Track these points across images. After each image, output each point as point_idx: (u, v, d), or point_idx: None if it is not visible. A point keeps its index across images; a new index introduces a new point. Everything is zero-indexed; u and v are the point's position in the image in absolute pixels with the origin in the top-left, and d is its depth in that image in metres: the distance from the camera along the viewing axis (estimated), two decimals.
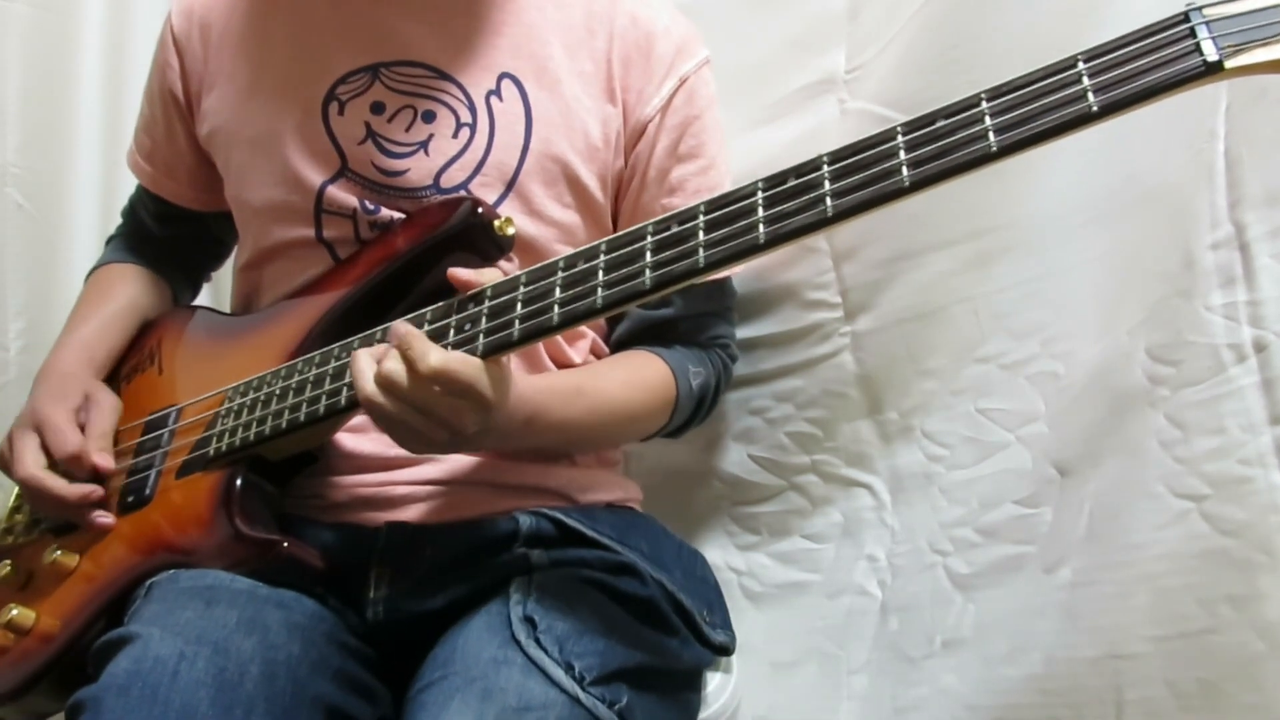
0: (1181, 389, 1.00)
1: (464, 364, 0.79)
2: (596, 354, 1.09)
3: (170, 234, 1.21)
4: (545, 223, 1.01)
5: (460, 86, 1.01)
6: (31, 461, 0.99)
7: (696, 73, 1.05)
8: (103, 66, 1.52)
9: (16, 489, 1.12)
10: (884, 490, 1.26)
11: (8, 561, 1.04)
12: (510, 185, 1.00)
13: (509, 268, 0.93)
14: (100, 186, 1.51)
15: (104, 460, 1.01)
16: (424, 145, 1.00)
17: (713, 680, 1.09)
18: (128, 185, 1.24)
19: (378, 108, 1.01)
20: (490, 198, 0.99)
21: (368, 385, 0.80)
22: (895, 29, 1.23)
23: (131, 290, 1.16)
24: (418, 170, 1.00)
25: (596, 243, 0.80)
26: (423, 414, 0.80)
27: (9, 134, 1.43)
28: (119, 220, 1.27)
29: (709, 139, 1.06)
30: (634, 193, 1.04)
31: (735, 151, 1.19)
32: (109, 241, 1.26)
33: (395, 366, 0.79)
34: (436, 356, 0.79)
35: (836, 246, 1.26)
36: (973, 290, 1.16)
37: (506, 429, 0.87)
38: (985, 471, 1.17)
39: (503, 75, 1.01)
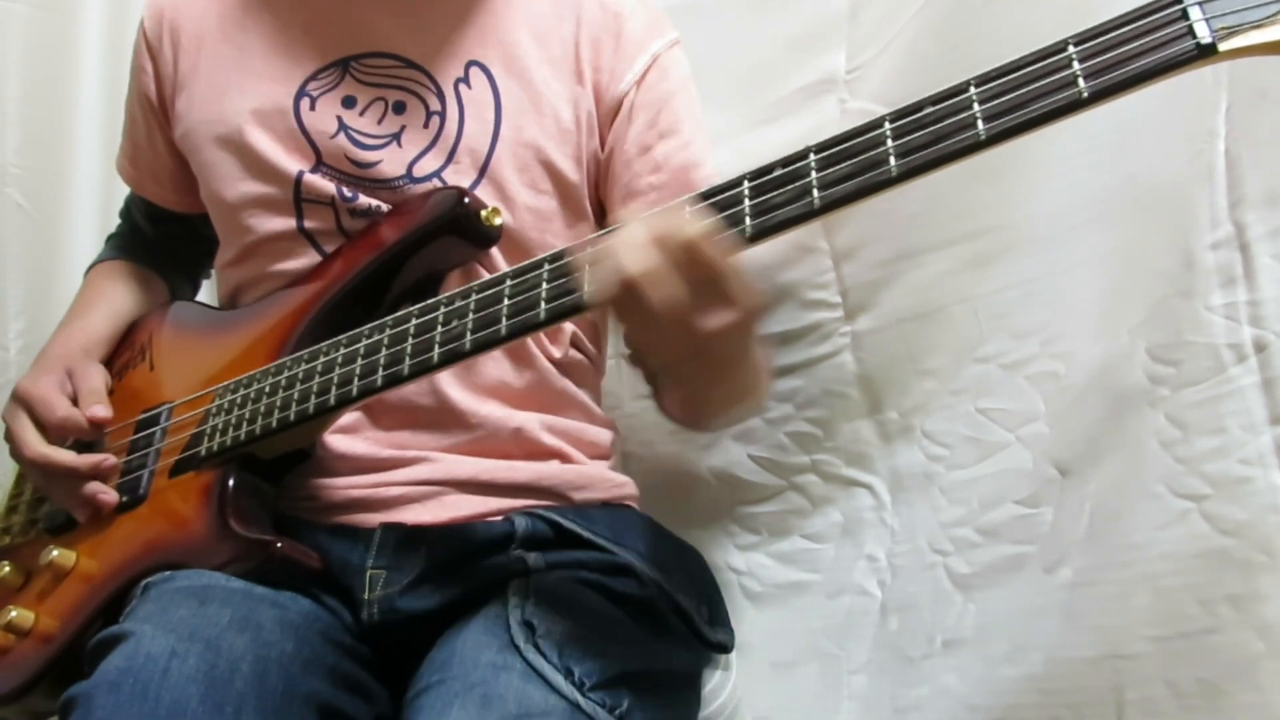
0: (1181, 389, 0.99)
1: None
2: (578, 347, 1.09)
3: (163, 234, 1.22)
4: (519, 209, 1.01)
5: (429, 75, 1.01)
6: (34, 439, 1.00)
7: (668, 51, 1.06)
8: (103, 66, 1.53)
9: (10, 491, 1.12)
10: (884, 490, 1.26)
11: (5, 562, 1.04)
12: (483, 172, 1.00)
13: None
14: (100, 186, 1.52)
15: (101, 411, 1.01)
16: (396, 137, 1.01)
17: (712, 680, 1.09)
18: (127, 187, 1.24)
19: (349, 102, 1.01)
20: (464, 185, 1.00)
21: (639, 251, 0.71)
22: (895, 29, 1.23)
23: (124, 286, 1.17)
24: (390, 161, 1.00)
25: (584, 240, 0.80)
26: (690, 294, 0.71)
27: (9, 134, 1.43)
28: (118, 220, 1.28)
29: (685, 115, 1.06)
30: (617, 173, 1.04)
31: (735, 151, 1.19)
32: (108, 241, 1.27)
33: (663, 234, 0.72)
34: (700, 224, 0.71)
35: (836, 246, 1.26)
36: (973, 290, 1.16)
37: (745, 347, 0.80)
38: (985, 471, 1.17)
39: (470, 63, 1.02)
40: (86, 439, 1.02)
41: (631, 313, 0.73)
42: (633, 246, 0.71)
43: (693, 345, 0.73)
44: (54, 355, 1.07)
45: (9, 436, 1.03)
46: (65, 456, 0.99)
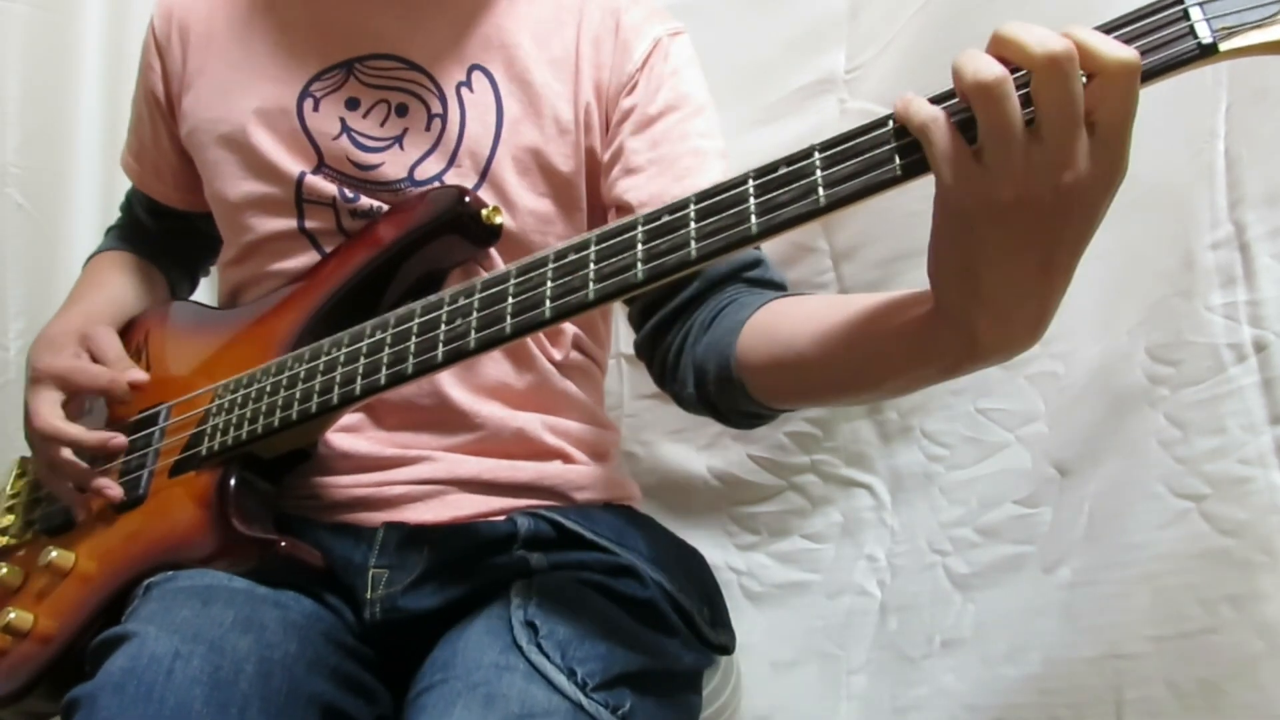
0: (1181, 389, 1.00)
1: None
2: (580, 348, 1.09)
3: (164, 229, 1.22)
4: (521, 213, 1.01)
5: (431, 78, 1.01)
6: (48, 412, 1.00)
7: (669, 37, 1.05)
8: (103, 66, 1.53)
9: (6, 493, 1.12)
10: (884, 490, 1.26)
11: (3, 563, 1.04)
12: (484, 175, 1.00)
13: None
14: (100, 186, 1.52)
15: (138, 374, 1.02)
16: (399, 140, 1.01)
17: (712, 680, 1.08)
18: (127, 184, 1.25)
19: (352, 103, 1.02)
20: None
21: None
22: (895, 29, 1.23)
23: (126, 277, 1.17)
24: (392, 164, 1.00)
25: (587, 235, 0.79)
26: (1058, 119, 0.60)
27: (9, 134, 1.43)
28: (119, 213, 1.28)
29: (689, 92, 1.04)
30: (618, 153, 1.02)
31: (735, 151, 1.19)
32: (108, 232, 1.27)
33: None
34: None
35: (836, 246, 1.26)
36: None
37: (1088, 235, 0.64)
38: (985, 471, 1.17)
39: (473, 67, 1.02)
40: (122, 404, 1.02)
41: (996, 122, 0.60)
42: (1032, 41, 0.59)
43: (1042, 199, 0.61)
44: (61, 333, 1.06)
45: (25, 409, 1.02)
46: (74, 430, 0.99)
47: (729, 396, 0.87)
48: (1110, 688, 1.02)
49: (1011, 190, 0.62)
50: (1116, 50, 0.59)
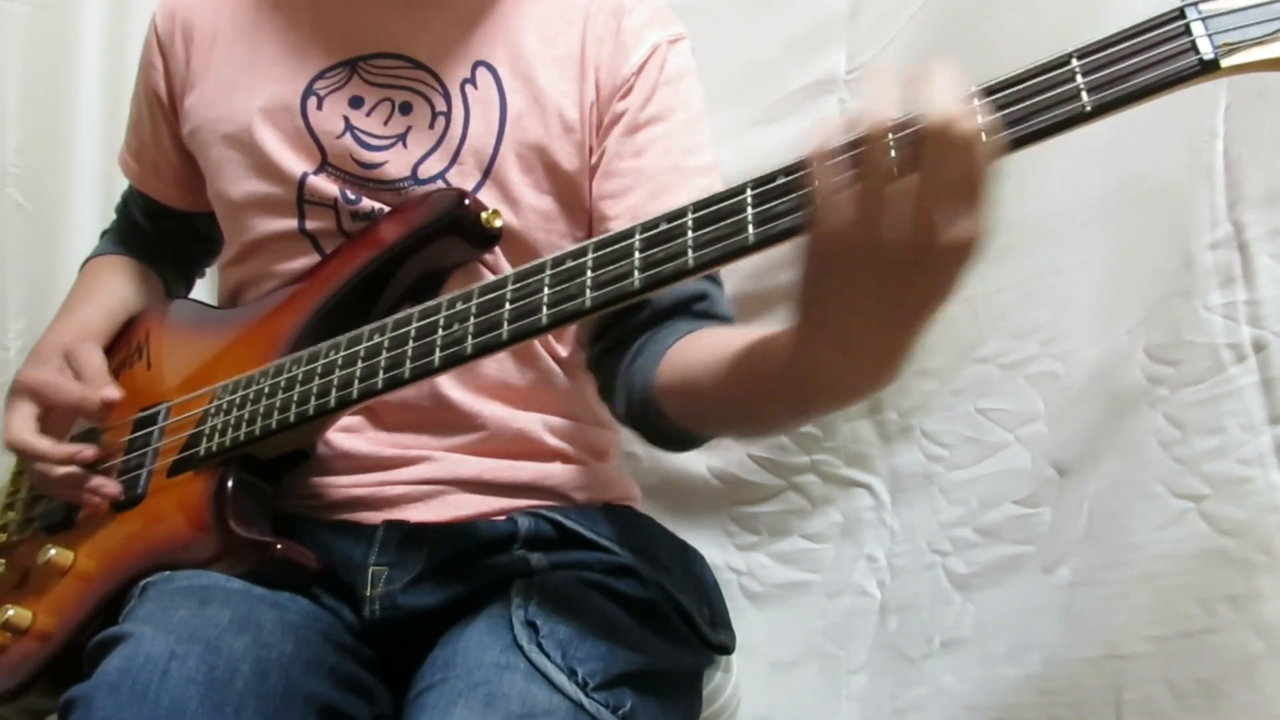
0: (1181, 389, 1.00)
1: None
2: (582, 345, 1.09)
3: (160, 230, 1.22)
4: (524, 211, 1.01)
5: (435, 76, 1.01)
6: (19, 426, 1.00)
7: (668, 44, 1.04)
8: (103, 66, 1.53)
9: (6, 489, 1.12)
10: (884, 490, 1.26)
11: (2, 560, 1.04)
12: (487, 173, 1.00)
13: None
14: (100, 187, 1.52)
15: (112, 391, 1.00)
16: (402, 138, 1.01)
17: (712, 680, 1.08)
18: (127, 185, 1.25)
19: (356, 102, 1.02)
20: (468, 186, 0.99)
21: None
22: (895, 29, 1.24)
23: (121, 280, 1.17)
24: (396, 162, 1.00)
25: (585, 243, 0.79)
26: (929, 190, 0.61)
27: (9, 134, 1.44)
28: (114, 215, 1.27)
29: (679, 105, 1.04)
30: (603, 158, 1.02)
31: (735, 152, 1.19)
32: (103, 235, 1.27)
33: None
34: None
35: None
36: (972, 290, 1.13)
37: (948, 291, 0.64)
38: (985, 471, 1.17)
39: (478, 64, 1.02)
40: (96, 422, 1.02)
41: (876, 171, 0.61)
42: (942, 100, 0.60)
43: (914, 249, 0.61)
44: (50, 344, 1.07)
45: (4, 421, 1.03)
46: (43, 444, 0.99)
47: (649, 419, 0.91)
48: (1110, 688, 1.02)
49: (866, 228, 0.62)
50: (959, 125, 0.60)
